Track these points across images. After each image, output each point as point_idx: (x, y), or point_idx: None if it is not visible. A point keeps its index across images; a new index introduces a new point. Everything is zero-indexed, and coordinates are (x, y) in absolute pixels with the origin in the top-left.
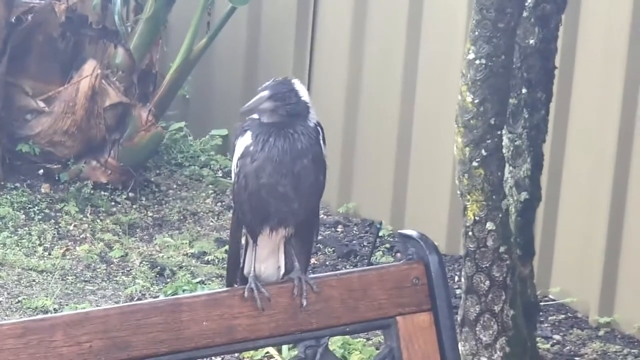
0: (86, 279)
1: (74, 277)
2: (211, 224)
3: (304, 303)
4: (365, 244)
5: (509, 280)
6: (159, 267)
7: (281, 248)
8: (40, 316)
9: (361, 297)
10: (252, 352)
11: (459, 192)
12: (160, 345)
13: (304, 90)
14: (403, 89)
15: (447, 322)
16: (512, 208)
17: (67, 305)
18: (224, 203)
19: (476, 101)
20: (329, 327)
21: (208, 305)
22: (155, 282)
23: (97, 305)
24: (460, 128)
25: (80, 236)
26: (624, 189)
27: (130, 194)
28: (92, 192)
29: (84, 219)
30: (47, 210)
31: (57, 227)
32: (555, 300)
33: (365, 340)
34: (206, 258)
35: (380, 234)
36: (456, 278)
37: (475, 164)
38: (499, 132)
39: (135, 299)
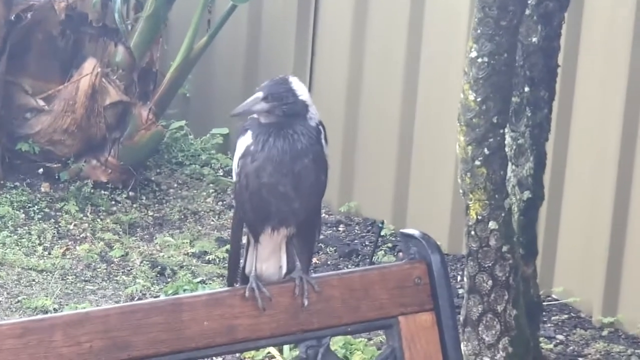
0: (86, 279)
1: (74, 276)
2: (212, 223)
3: (306, 303)
4: (367, 243)
5: (511, 279)
6: (159, 267)
7: (283, 247)
8: (40, 316)
9: (363, 296)
10: (253, 352)
11: (461, 191)
12: (160, 345)
13: (303, 89)
14: (404, 88)
15: (450, 322)
16: (515, 207)
17: (67, 305)
18: (224, 202)
19: (478, 99)
20: (330, 327)
21: (209, 305)
22: (155, 281)
23: (97, 305)
24: (463, 126)
25: (81, 235)
26: (627, 187)
27: (131, 193)
28: (92, 191)
29: (84, 218)
30: (47, 210)
31: (57, 226)
32: (558, 300)
33: (367, 340)
34: (207, 257)
35: (382, 233)
36: (458, 278)
37: (477, 162)
38: (501, 131)
39: (135, 299)
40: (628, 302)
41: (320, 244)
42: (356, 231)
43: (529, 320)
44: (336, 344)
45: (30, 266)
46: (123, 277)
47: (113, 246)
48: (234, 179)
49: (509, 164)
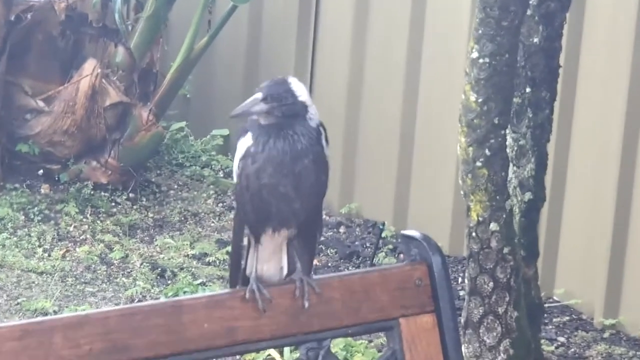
0: (86, 281)
1: (74, 278)
2: (212, 224)
3: (306, 304)
4: (367, 245)
5: (512, 281)
6: (159, 269)
7: (284, 249)
8: (39, 318)
9: (364, 298)
10: (253, 354)
11: (462, 192)
12: (160, 347)
13: (302, 90)
14: (405, 88)
15: (451, 324)
16: (516, 208)
17: (66, 307)
18: (225, 204)
19: (480, 100)
20: (331, 328)
21: (209, 307)
22: (155, 283)
23: (97, 307)
24: (464, 127)
25: (80, 237)
26: (629, 189)
27: (131, 195)
28: (92, 192)
29: (84, 219)
30: (46, 211)
31: (56, 228)
32: (559, 302)
33: (367, 342)
34: (207, 259)
35: (383, 235)
36: (459, 279)
37: (478, 163)
38: (502, 132)
39: (135, 301)
40: (630, 304)
41: (321, 246)
42: (357, 233)
43: (530, 322)
44: (337, 345)
45: (30, 268)
46: (123, 279)
47: (113, 248)
48: (235, 180)
49: (510, 165)
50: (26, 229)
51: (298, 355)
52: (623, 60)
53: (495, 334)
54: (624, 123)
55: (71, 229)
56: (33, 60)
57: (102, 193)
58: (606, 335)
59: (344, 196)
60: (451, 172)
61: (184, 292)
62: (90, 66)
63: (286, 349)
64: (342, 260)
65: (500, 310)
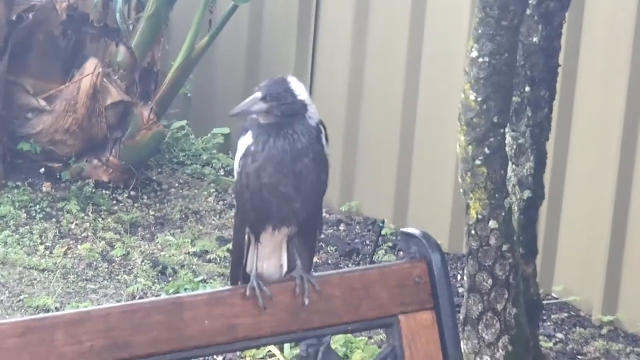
0: (87, 278)
1: (76, 275)
2: (213, 222)
3: (306, 302)
4: (367, 242)
5: (511, 278)
6: (160, 266)
7: (284, 246)
8: (41, 315)
9: (363, 295)
10: (254, 350)
11: (461, 190)
12: (161, 344)
13: (302, 89)
14: (405, 87)
15: (450, 321)
16: (515, 206)
17: (68, 304)
18: (225, 201)
19: (479, 99)
20: (330, 325)
21: (210, 304)
22: (156, 280)
23: (99, 304)
24: (463, 126)
25: (82, 235)
26: (627, 186)
27: (132, 193)
28: (93, 190)
29: (86, 217)
30: (48, 209)
31: (58, 225)
32: (558, 299)
33: (367, 338)
34: (208, 257)
35: (383, 232)
36: (459, 276)
37: (478, 162)
38: (502, 130)
39: (136, 298)
40: (628, 300)
41: (321, 243)
42: (357, 230)
43: (529, 318)
44: (337, 342)
45: (32, 265)
46: (124, 276)
47: (114, 245)
48: (235, 178)
49: (510, 163)
50: (28, 227)
51: (298, 351)
52: (622, 59)
53: (494, 330)
54: (623, 121)
55: (73, 226)
56: (34, 59)
57: (104, 191)
58: (604, 331)
59: (344, 194)
60: (451, 170)
61: (185, 289)
62: (91, 65)
63: (286, 346)
64: (342, 258)
65: (499, 307)
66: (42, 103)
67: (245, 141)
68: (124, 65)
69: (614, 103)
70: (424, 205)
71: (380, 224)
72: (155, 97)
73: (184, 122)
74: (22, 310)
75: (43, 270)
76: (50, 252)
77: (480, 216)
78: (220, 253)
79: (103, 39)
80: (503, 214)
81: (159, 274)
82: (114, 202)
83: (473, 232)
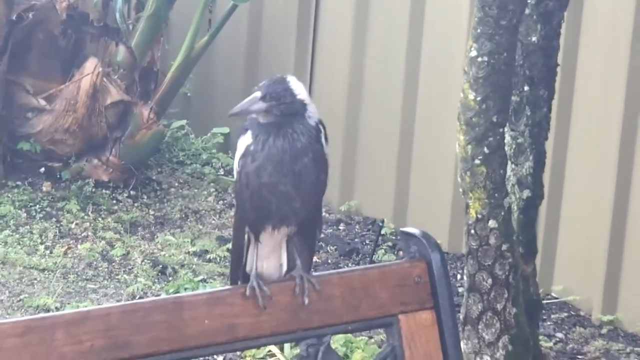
0: (88, 278)
1: (76, 275)
2: (213, 222)
3: (306, 301)
4: (367, 242)
5: (511, 278)
6: (160, 266)
7: (283, 246)
8: (41, 315)
9: (363, 295)
10: (254, 350)
11: (461, 190)
12: (161, 343)
13: (301, 89)
14: (405, 87)
15: (450, 321)
16: (515, 206)
17: (68, 303)
18: (225, 201)
19: (478, 99)
20: (330, 325)
21: (210, 304)
22: (157, 280)
23: (99, 304)
24: (463, 126)
25: (82, 234)
26: (627, 186)
27: (132, 192)
28: (93, 190)
29: (86, 217)
30: (48, 209)
31: (58, 225)
32: (558, 299)
33: (367, 338)
34: (208, 256)
35: (383, 232)
36: (458, 276)
37: (477, 161)
38: (501, 130)
39: (137, 298)
40: (627, 300)
41: (321, 243)
42: (356, 230)
43: (529, 318)
44: (337, 342)
45: (32, 265)
46: (124, 275)
47: (114, 245)
48: (235, 178)
49: (509, 162)
50: (28, 227)
51: (298, 351)
52: (621, 58)
53: (494, 330)
54: (622, 121)
55: (73, 226)
56: (34, 59)
57: (104, 191)
58: (604, 331)
59: (344, 193)
60: (450, 170)
61: (185, 289)
62: (91, 65)
63: (286, 345)
64: (341, 257)
65: (499, 306)
66: (42, 103)
67: (244, 141)
68: (123, 65)
69: (613, 102)
70: (423, 204)
71: (380, 224)
72: (155, 96)
73: (183, 122)
74: (22, 310)
75: (43, 270)
76: (51, 252)
77: (479, 216)
78: (220, 253)
79: (103, 38)
80: (502, 213)
81: (159, 274)
82: (114, 201)
83: (473, 231)
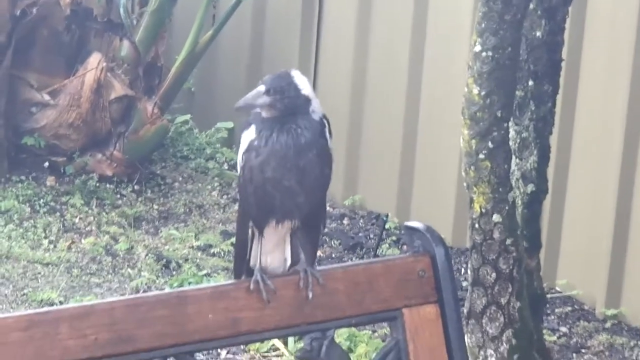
0: (91, 272)
1: (80, 269)
2: (217, 216)
3: (310, 295)
4: (371, 236)
5: (515, 272)
6: (164, 260)
7: (287, 240)
8: (45, 309)
9: (367, 289)
10: (257, 344)
11: (465, 184)
12: (165, 337)
13: (305, 83)
14: (409, 81)
15: (454, 315)
16: (519, 200)
17: (72, 298)
18: (229, 195)
19: (482, 93)
20: (334, 319)
21: (213, 298)
22: (160, 274)
23: (103, 298)
24: (467, 120)
25: (86, 229)
26: (631, 181)
27: (136, 187)
28: (97, 185)
29: (90, 211)
30: (52, 203)
31: (62, 220)
32: (561, 293)
33: (371, 332)
34: (212, 251)
35: (387, 226)
36: (462, 270)
37: (481, 156)
38: (505, 125)
39: (140, 292)
40: (631, 294)
41: (325, 237)
42: (360, 224)
43: (533, 312)
44: (340, 336)
45: (36, 259)
46: (128, 270)
47: (118, 239)
48: (239, 172)
49: (513, 157)
50: (32, 221)
51: (302, 345)
52: (625, 53)
53: (497, 324)
54: (626, 116)
55: (77, 220)
56: (38, 54)
57: (108, 185)
58: (608, 325)
59: (348, 188)
60: (454, 165)
61: (189, 283)
62: (95, 60)
63: (290, 339)
64: (345, 252)
65: (503, 300)
66: (46, 97)
67: (248, 136)
68: (127, 60)
69: (617, 97)
70: (427, 199)
71: (384, 218)
72: (159, 91)
73: (187, 117)
74: (26, 304)
75: (47, 264)
76: (55, 246)
77: (484, 210)
78: (224, 247)
79: (107, 33)
80: (507, 207)
81: (163, 268)
82: (118, 196)
83: (477, 226)
